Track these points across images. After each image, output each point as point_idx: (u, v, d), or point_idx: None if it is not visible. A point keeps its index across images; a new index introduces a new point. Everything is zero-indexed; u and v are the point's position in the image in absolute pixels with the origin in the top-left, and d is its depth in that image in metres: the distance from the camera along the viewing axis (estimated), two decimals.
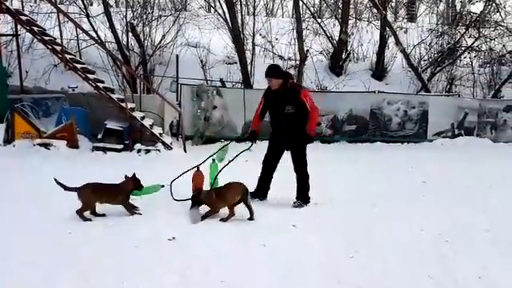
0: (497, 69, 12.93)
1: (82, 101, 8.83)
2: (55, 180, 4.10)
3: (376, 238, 4.00)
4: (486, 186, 6.15)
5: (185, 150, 8.50)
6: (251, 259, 3.43)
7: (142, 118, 8.47)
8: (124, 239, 3.70)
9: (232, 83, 11.07)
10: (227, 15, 11.55)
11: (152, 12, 11.76)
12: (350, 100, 10.42)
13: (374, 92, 10.82)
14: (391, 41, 12.98)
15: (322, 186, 5.66)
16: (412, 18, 17.18)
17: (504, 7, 13.44)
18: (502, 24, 13.19)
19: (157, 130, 8.49)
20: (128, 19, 11.12)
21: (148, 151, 8.06)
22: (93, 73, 8.83)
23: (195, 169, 4.95)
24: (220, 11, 12.29)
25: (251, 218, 4.31)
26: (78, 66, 8.50)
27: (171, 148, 8.30)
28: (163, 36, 11.35)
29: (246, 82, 10.97)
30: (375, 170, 7.29)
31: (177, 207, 4.39)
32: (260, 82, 9.95)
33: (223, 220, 4.26)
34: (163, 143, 8.29)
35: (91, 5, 14.28)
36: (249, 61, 11.31)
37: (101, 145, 7.98)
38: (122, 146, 8.06)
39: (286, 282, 3.10)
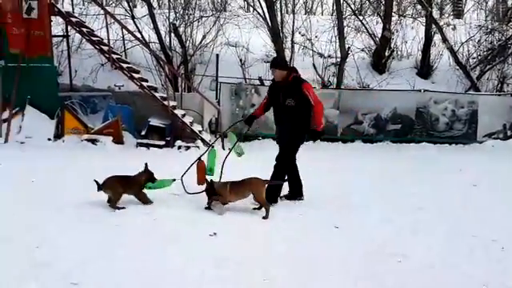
0: None
1: (127, 99, 9.15)
2: (95, 180, 4.28)
3: (423, 242, 3.82)
4: None
5: (223, 148, 8.55)
6: (294, 259, 3.38)
7: (183, 115, 8.66)
8: (166, 234, 3.78)
9: (270, 82, 11.01)
10: (266, 14, 11.54)
11: (193, 13, 11.97)
12: (395, 98, 10.06)
13: (420, 91, 10.41)
14: (437, 38, 12.41)
15: (365, 187, 5.53)
16: (459, 14, 16.38)
17: None
18: None
19: (196, 128, 8.65)
20: (170, 20, 11.40)
21: (188, 148, 8.22)
22: (137, 72, 9.13)
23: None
24: (259, 10, 12.31)
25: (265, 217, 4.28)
26: (124, 65, 8.82)
27: None
28: (204, 36, 11.51)
29: None
30: (421, 171, 7.00)
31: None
32: None
33: (264, 218, 4.27)
34: (202, 140, 8.42)
35: (135, 7, 14.75)
36: (288, 59, 11.21)
37: (144, 141, 8.25)
38: (163, 143, 8.28)
39: (329, 283, 3.03)
